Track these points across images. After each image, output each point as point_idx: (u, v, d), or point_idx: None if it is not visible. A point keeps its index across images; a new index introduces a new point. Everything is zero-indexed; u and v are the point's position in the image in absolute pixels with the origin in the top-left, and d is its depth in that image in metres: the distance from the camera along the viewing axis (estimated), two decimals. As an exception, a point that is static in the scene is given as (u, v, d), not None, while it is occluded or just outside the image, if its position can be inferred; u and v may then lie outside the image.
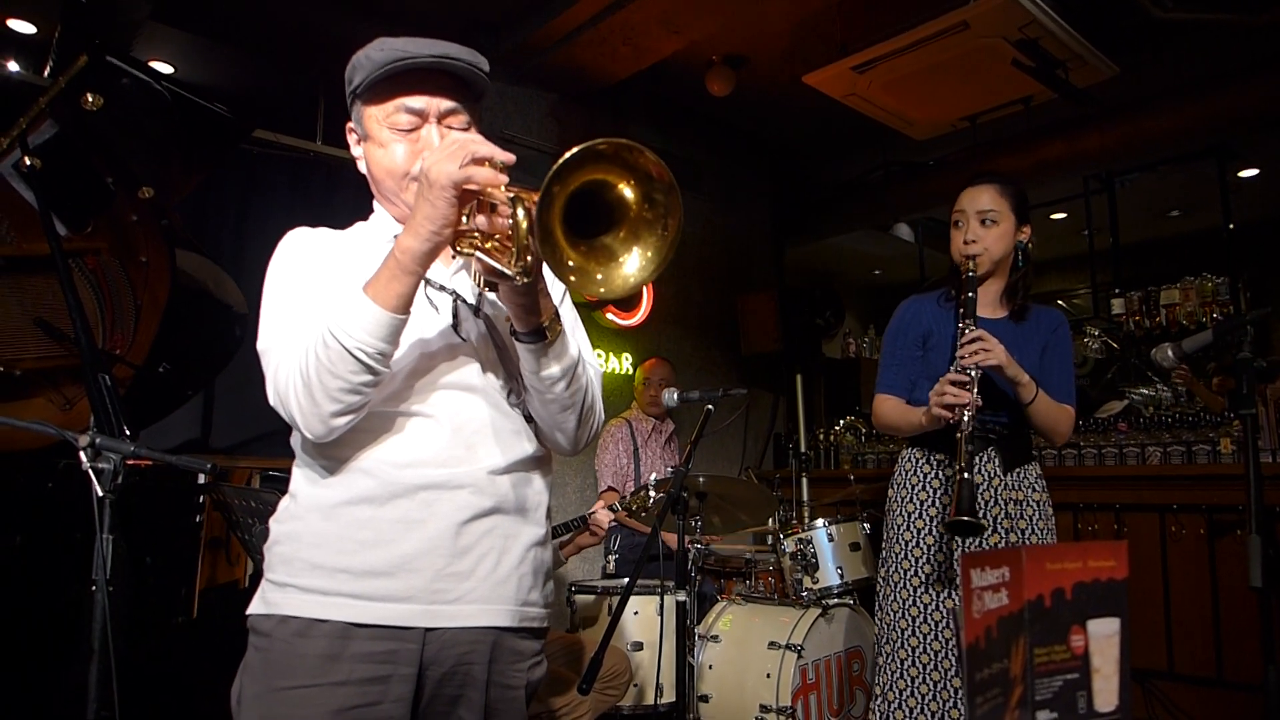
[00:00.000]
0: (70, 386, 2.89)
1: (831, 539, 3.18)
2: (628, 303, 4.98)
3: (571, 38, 4.15)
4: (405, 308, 1.14)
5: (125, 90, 2.25)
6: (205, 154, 2.84)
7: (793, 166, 6.27)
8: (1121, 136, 4.53)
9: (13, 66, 4.22)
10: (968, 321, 2.05)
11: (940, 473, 2.20)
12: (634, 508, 2.83)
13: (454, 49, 1.24)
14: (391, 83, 1.24)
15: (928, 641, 2.12)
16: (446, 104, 1.25)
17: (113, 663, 1.45)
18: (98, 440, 1.58)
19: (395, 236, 1.15)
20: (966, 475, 1.85)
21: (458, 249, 1.16)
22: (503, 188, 1.07)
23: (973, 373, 1.97)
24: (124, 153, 2.70)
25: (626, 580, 2.96)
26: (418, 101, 1.24)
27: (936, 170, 5.33)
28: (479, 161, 1.08)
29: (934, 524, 2.18)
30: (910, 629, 2.12)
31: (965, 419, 1.91)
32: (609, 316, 4.98)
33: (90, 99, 2.22)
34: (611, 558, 3.32)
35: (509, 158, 1.12)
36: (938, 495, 2.19)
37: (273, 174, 3.85)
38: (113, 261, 2.93)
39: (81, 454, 1.64)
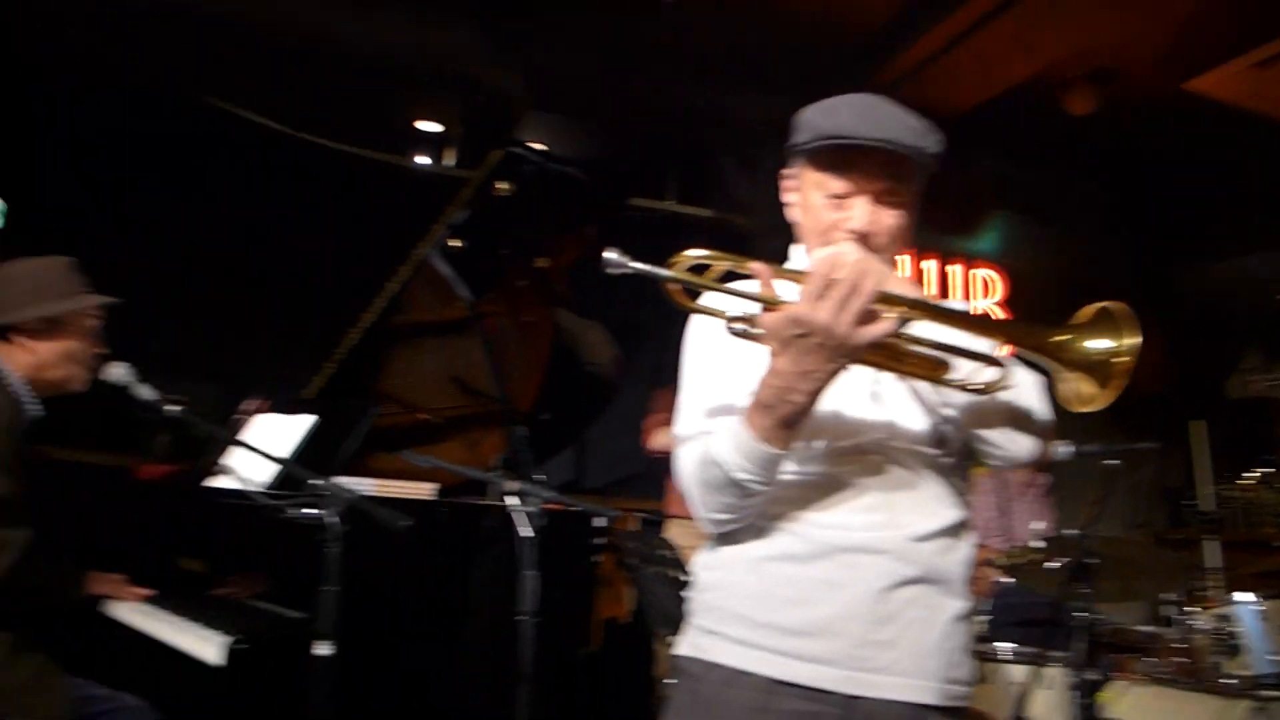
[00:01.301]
0: (474, 432, 3.24)
1: (1264, 618, 2.71)
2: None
3: (918, 71, 4.10)
4: (787, 444, 1.17)
5: (525, 175, 2.55)
6: (587, 223, 3.12)
7: (1167, 184, 5.61)
8: None
9: (422, 160, 5.06)
10: None
11: None
12: (1014, 564, 2.64)
13: (900, 130, 1.23)
14: (831, 154, 1.26)
15: None
16: (882, 184, 1.26)
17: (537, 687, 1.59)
18: (523, 485, 1.78)
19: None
20: None
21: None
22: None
23: None
24: (518, 227, 3.06)
25: (1013, 646, 2.74)
26: (852, 180, 1.26)
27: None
28: (872, 314, 1.09)
29: None
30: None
31: None
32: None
33: (502, 186, 2.54)
34: (984, 618, 3.11)
35: (912, 293, 1.15)
36: None
37: (629, 233, 4.14)
38: (505, 323, 3.29)
39: (507, 498, 1.86)
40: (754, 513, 1.24)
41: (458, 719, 2.05)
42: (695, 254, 1.14)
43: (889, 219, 1.27)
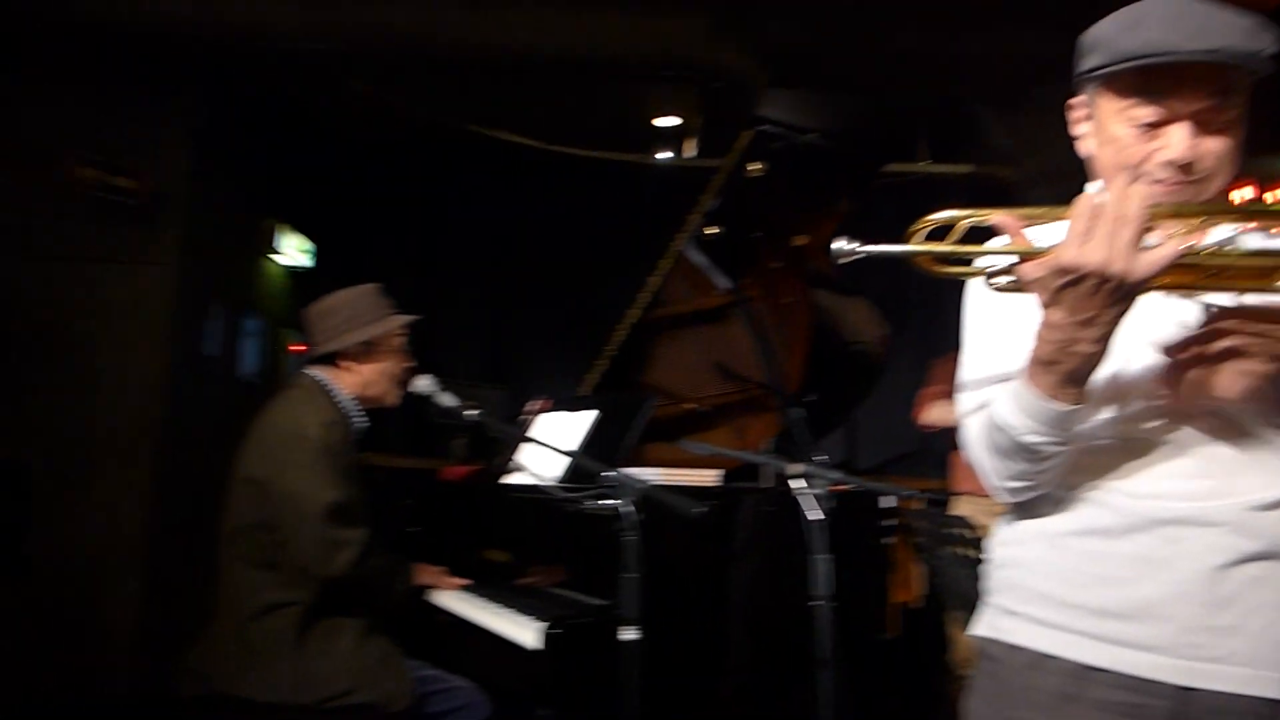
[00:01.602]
0: (741, 418, 3.28)
1: None
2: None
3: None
4: (1078, 399, 1.05)
5: (775, 153, 2.51)
6: (839, 197, 3.03)
7: None
8: None
9: (663, 155, 5.15)
10: None
11: None
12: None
13: (1226, 35, 1.02)
14: (1137, 76, 1.07)
15: None
16: (1205, 104, 1.07)
17: (840, 674, 1.55)
18: (808, 467, 1.75)
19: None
20: None
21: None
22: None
23: None
24: (771, 208, 3.02)
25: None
26: (1166, 104, 1.07)
27: None
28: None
29: None
30: None
31: None
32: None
33: (754, 167, 2.51)
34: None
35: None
36: None
37: (884, 201, 3.97)
38: (762, 306, 3.24)
39: (791, 481, 1.83)
40: (1052, 481, 1.13)
41: (757, 704, 2.06)
42: (936, 218, 1.05)
43: (1215, 144, 1.08)
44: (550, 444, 2.17)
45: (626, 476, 1.74)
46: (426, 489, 3.16)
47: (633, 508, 1.67)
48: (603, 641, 1.73)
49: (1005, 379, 1.13)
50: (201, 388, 4.30)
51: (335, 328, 2.30)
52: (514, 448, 2.72)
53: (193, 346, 4.29)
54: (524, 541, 2.47)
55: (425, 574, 2.39)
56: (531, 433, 2.68)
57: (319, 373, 2.32)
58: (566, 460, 2.37)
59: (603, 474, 1.77)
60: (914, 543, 2.24)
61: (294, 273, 5.44)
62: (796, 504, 1.81)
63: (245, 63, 4.17)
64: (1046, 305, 1.01)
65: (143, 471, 3.96)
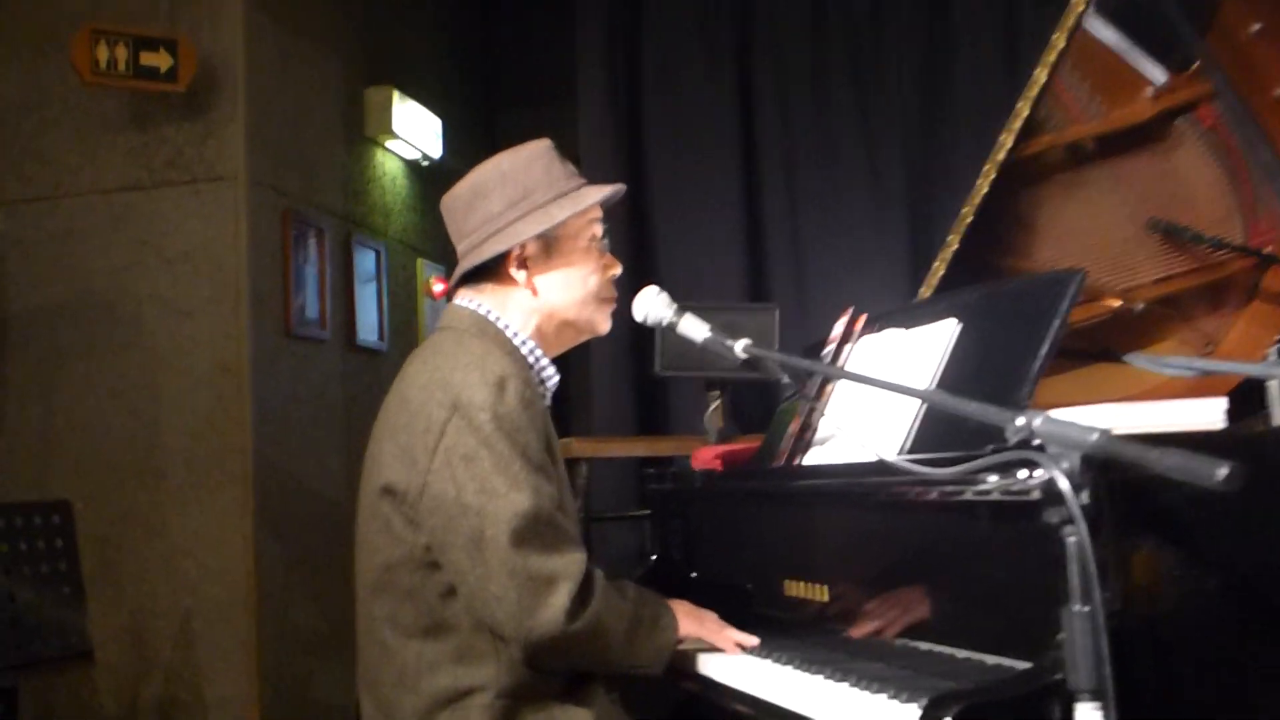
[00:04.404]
0: (1205, 316, 3.18)
1: None
2: None
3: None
4: None
5: None
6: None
7: None
8: None
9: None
10: None
11: None
12: None
13: None
14: None
15: None
16: None
17: None
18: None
19: None
20: None
21: None
22: None
23: None
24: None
25: None
26: None
27: None
28: None
29: None
30: None
31: None
32: None
33: None
34: None
35: None
36: None
37: None
38: (1229, 110, 3.08)
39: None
40: None
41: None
42: None
43: None
44: (885, 383, 2.09)
45: (1055, 425, 1.56)
46: (667, 484, 3.25)
47: (1072, 484, 1.50)
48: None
49: None
50: (300, 370, 4.55)
51: (492, 219, 2.32)
52: (817, 401, 2.68)
53: (283, 306, 4.53)
54: (851, 562, 2.39)
55: (690, 623, 2.38)
56: (847, 370, 2.64)
57: (477, 299, 2.36)
58: (914, 411, 2.29)
59: (1004, 425, 1.61)
60: None
61: (424, 171, 5.64)
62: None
63: None
64: None
65: (231, 500, 4.21)
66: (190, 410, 4.21)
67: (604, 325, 2.44)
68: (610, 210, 2.46)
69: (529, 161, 2.36)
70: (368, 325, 5.10)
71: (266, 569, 4.19)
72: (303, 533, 4.39)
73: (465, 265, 2.36)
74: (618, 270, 2.44)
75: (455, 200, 2.38)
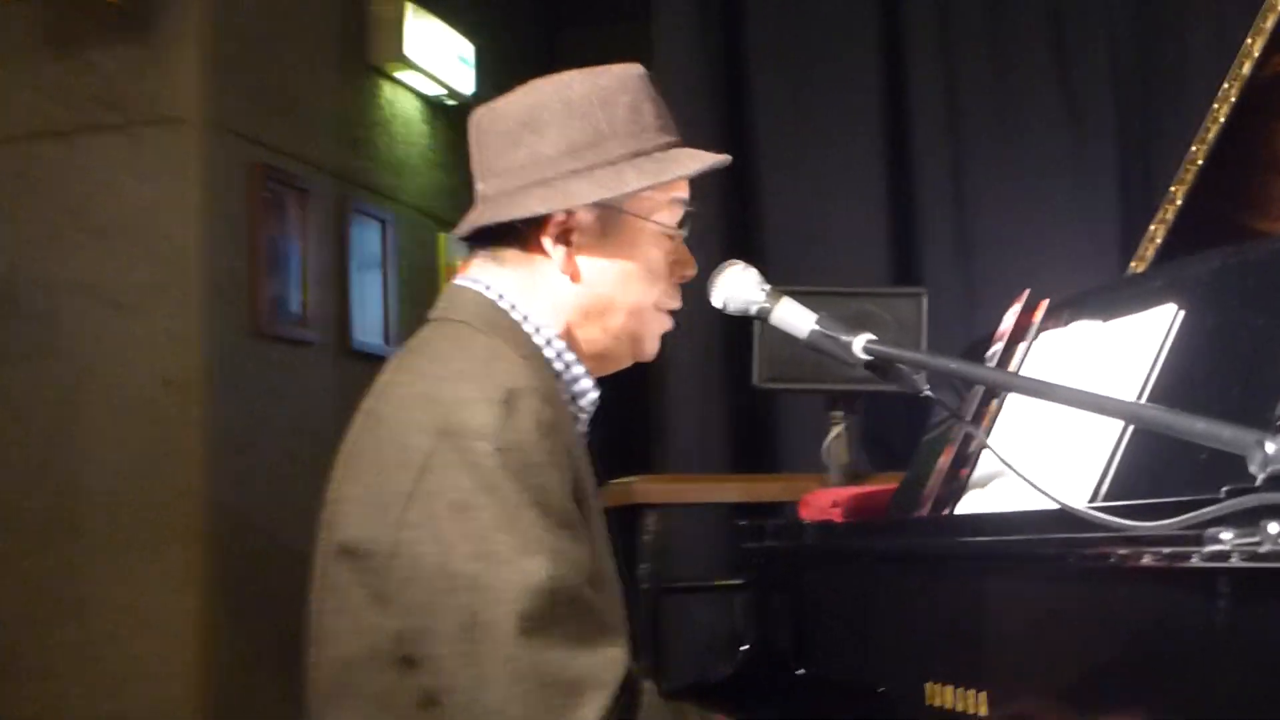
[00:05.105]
0: None
1: None
2: None
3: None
4: None
5: None
6: None
7: None
8: None
9: None
10: None
11: None
12: None
13: None
14: None
15: None
16: None
17: None
18: None
19: None
20: None
21: None
22: None
23: None
24: None
25: None
26: None
27: None
28: None
29: None
30: None
31: None
32: None
33: None
34: None
35: None
36: None
37: None
38: None
39: None
40: None
41: None
42: None
43: None
44: (1075, 393, 2.07)
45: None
46: (769, 542, 3.30)
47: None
48: None
49: None
50: (274, 384, 4.59)
51: (539, 163, 2.24)
52: (977, 424, 2.70)
53: (251, 297, 4.53)
54: (1022, 658, 2.35)
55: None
56: (1020, 377, 2.65)
57: (488, 276, 2.29)
58: (1114, 436, 2.27)
59: (1248, 454, 1.61)
60: None
61: (450, 112, 5.71)
62: None
63: None
64: None
65: (174, 565, 4.24)
66: (120, 440, 4.21)
67: (651, 348, 2.39)
68: (697, 180, 2.37)
69: (610, 94, 2.25)
70: (368, 323, 5.14)
71: (222, 663, 4.21)
72: (273, 611, 4.23)
73: (484, 218, 2.27)
74: (691, 272, 2.36)
75: (495, 119, 2.30)
